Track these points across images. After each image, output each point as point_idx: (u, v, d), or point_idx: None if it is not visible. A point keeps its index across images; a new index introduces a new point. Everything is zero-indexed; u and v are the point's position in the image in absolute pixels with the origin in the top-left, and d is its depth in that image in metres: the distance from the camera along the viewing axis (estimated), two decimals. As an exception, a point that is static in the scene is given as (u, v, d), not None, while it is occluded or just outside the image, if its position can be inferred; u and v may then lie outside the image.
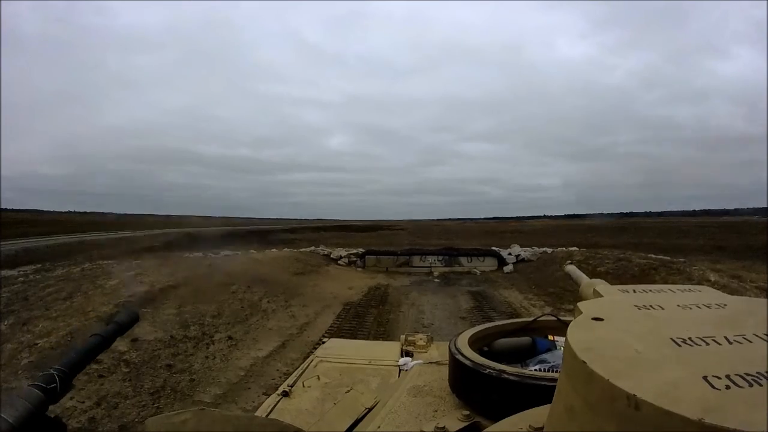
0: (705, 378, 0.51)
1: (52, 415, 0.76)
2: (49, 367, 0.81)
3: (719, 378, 0.50)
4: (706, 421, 0.44)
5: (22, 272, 15.83)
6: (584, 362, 0.56)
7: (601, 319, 0.70)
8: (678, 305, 0.77)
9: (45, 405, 0.73)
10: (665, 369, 0.54)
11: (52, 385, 0.77)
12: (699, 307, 0.76)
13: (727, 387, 0.49)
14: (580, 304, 0.79)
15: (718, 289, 0.91)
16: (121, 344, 6.49)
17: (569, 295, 10.79)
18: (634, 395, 0.49)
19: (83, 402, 5.18)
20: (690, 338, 0.61)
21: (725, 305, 0.77)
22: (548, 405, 0.79)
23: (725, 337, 0.61)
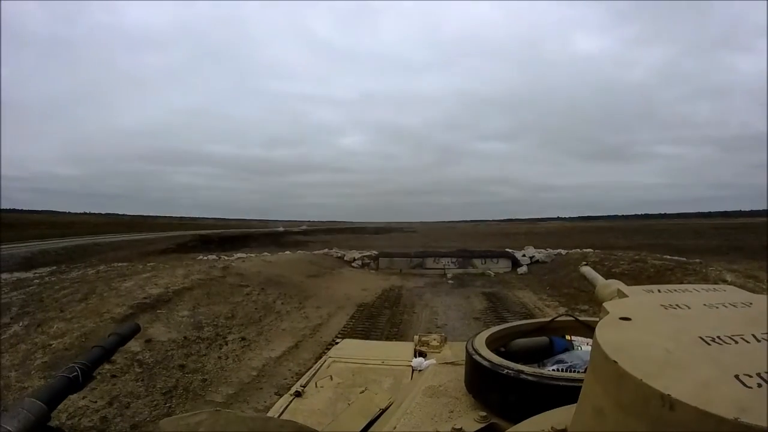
0: (737, 377, 0.50)
1: (54, 425, 0.78)
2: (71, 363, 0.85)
3: (750, 376, 0.50)
4: (742, 420, 0.44)
5: (37, 274, 16.09)
6: (616, 362, 0.56)
7: (629, 319, 0.69)
8: (704, 304, 0.76)
9: (47, 416, 0.75)
10: (697, 368, 0.54)
11: (74, 374, 0.82)
12: (725, 306, 0.75)
13: (759, 385, 0.49)
14: (606, 305, 0.79)
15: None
16: (134, 345, 6.57)
17: (584, 296, 10.75)
18: (669, 395, 0.48)
19: (95, 402, 5.24)
20: (719, 337, 0.61)
21: (751, 304, 0.77)
22: (570, 406, 0.78)
23: (753, 336, 0.61)
